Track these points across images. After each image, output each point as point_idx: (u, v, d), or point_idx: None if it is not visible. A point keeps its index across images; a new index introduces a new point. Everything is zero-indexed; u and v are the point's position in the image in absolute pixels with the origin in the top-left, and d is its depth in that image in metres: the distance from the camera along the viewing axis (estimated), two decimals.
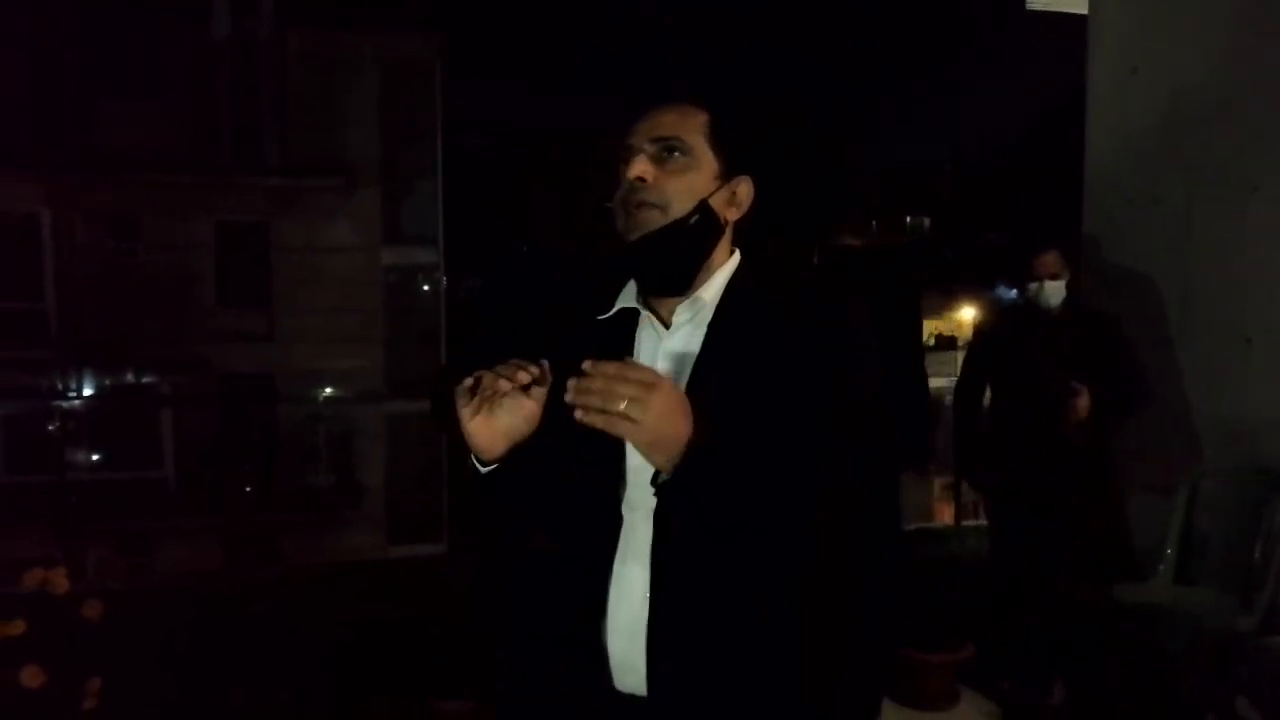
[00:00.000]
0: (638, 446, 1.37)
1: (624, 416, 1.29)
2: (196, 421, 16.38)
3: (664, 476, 1.37)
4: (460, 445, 1.49)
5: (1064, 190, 5.26)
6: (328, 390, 14.51)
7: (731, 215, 1.55)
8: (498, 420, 1.45)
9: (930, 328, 33.83)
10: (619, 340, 1.56)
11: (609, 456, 1.50)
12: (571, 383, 1.31)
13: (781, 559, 1.45)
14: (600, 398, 1.29)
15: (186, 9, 16.28)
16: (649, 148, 1.50)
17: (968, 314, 26.91)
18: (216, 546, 14.14)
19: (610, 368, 1.32)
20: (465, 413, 1.45)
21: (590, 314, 1.59)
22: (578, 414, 1.31)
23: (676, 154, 1.50)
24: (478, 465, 1.49)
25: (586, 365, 1.31)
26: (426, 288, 17.37)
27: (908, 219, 38.90)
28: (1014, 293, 3.99)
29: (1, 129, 14.93)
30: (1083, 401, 3.65)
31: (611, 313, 1.58)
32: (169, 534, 15.00)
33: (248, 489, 14.77)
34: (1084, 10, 4.62)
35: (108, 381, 16.11)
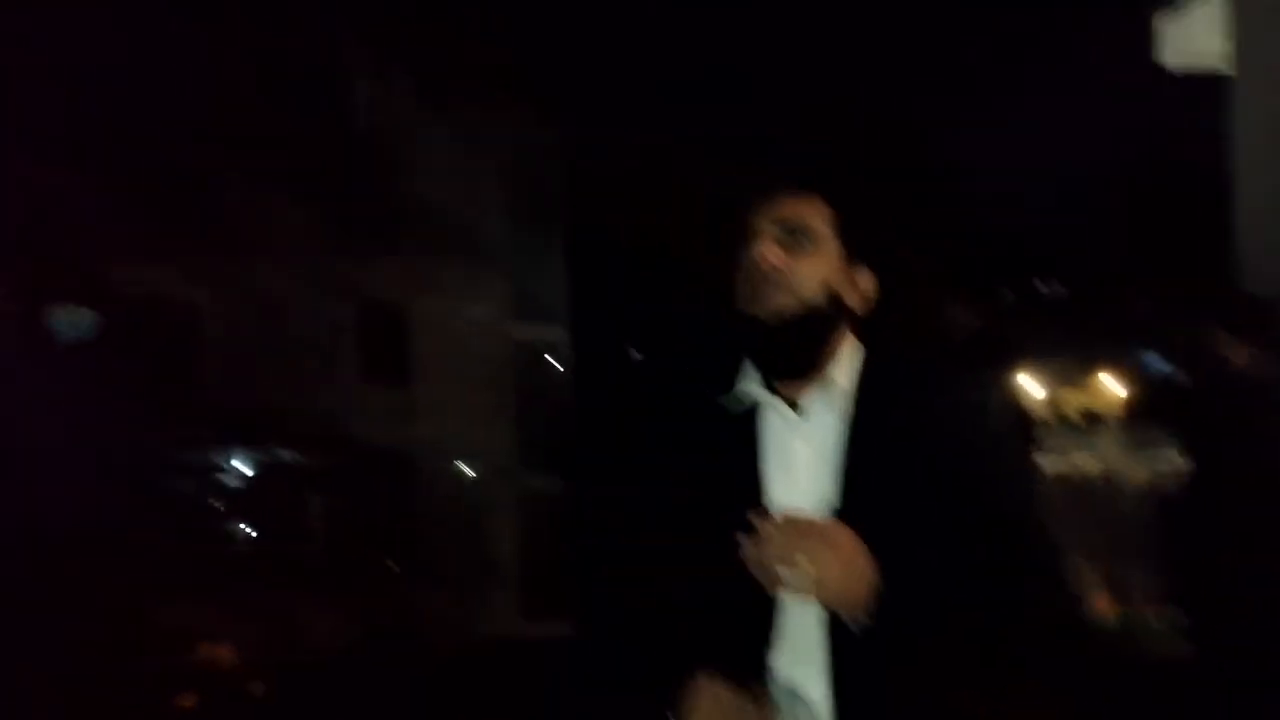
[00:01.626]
0: (824, 604, 1.35)
1: (809, 576, 1.30)
2: (338, 496, 16.85)
3: (853, 625, 1.35)
4: None
5: (1204, 250, 5.09)
6: (461, 466, 14.78)
7: (855, 303, 1.54)
8: None
9: (1072, 400, 32.38)
10: (742, 425, 1.53)
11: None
12: (745, 541, 1.32)
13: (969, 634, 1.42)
14: (778, 558, 1.30)
15: (330, 100, 17.08)
16: (776, 231, 1.49)
17: (1107, 382, 25.89)
18: (356, 621, 14.42)
19: (779, 520, 1.34)
20: None
21: (701, 393, 1.57)
22: (760, 575, 1.32)
23: (805, 241, 1.49)
24: None
25: (754, 519, 1.33)
26: (557, 364, 17.65)
27: (1038, 281, 37.92)
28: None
29: (150, 215, 15.73)
30: None
31: (735, 397, 1.54)
32: (310, 608, 15.36)
33: (387, 564, 15.07)
34: (1227, 70, 4.49)
35: (255, 458, 16.72)
